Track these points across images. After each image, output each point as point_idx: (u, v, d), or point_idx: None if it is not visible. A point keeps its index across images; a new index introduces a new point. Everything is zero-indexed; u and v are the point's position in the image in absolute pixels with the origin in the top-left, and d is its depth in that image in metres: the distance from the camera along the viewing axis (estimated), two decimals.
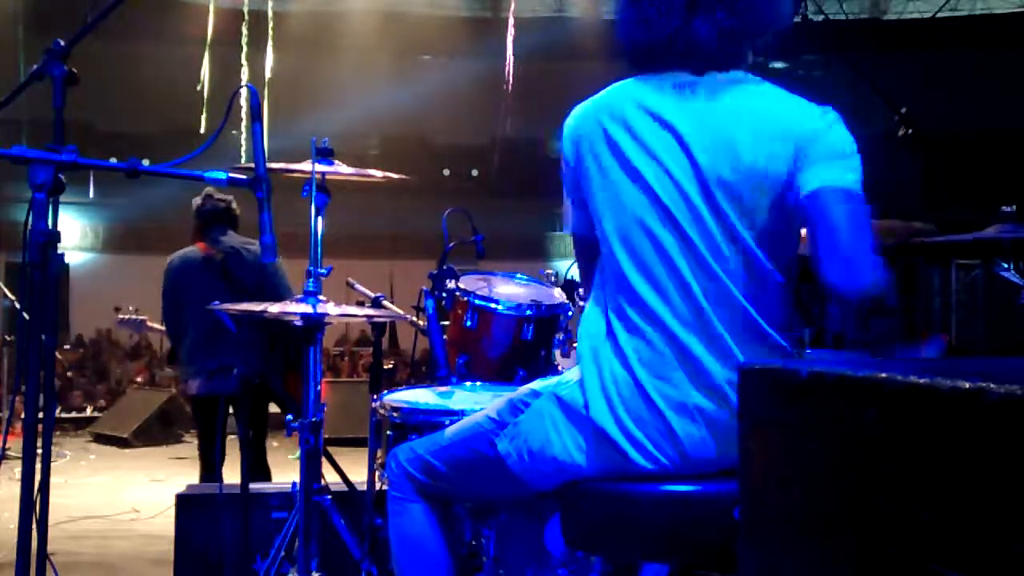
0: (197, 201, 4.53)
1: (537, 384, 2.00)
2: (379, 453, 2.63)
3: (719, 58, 1.82)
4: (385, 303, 3.20)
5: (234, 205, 4.56)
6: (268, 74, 13.92)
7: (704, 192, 1.77)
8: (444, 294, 2.85)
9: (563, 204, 1.98)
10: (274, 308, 2.69)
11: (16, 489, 1.90)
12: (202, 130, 13.14)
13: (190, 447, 9.16)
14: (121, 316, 5.14)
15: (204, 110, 13.17)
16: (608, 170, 1.83)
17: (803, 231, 1.85)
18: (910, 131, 2.60)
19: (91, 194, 14.42)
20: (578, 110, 1.93)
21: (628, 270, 1.81)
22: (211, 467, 4.33)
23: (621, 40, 1.90)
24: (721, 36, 1.80)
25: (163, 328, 4.80)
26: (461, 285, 2.83)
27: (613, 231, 1.83)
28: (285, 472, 4.51)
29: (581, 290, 2.19)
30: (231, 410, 4.21)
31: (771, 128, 1.77)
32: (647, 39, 1.85)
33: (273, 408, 4.54)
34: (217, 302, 2.81)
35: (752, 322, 1.77)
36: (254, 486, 3.40)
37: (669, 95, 1.82)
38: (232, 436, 4.57)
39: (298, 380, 2.84)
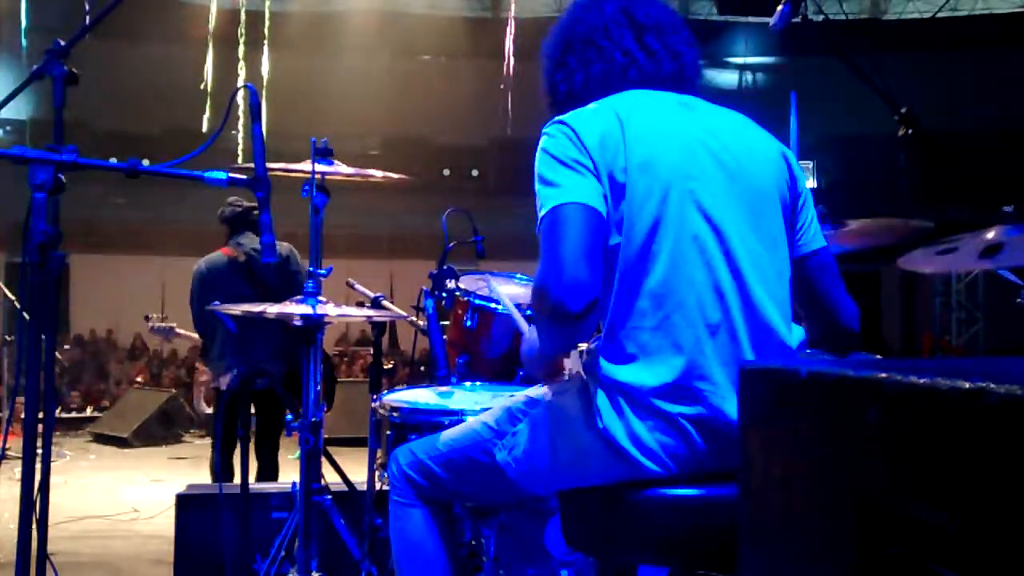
0: (221, 207, 4.69)
1: (534, 391, 1.98)
2: (379, 453, 2.63)
3: (695, 83, 1.95)
4: (385, 303, 3.21)
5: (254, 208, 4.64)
6: (266, 74, 13.93)
7: (742, 205, 1.78)
8: (444, 294, 2.85)
9: (549, 183, 1.73)
10: (273, 309, 2.69)
11: (16, 489, 1.90)
12: (204, 130, 13.15)
13: (190, 447, 9.18)
14: (152, 324, 5.25)
15: (208, 110, 13.18)
16: (651, 167, 1.74)
17: None
18: (910, 131, 2.59)
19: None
20: (591, 111, 1.82)
21: (665, 275, 1.72)
22: (227, 463, 4.46)
23: (617, 65, 1.90)
24: (696, 64, 1.96)
25: (191, 335, 4.90)
26: (461, 285, 2.83)
27: (646, 237, 1.73)
28: (285, 472, 4.51)
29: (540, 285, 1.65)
30: (253, 409, 4.35)
31: (768, 151, 1.89)
32: (642, 65, 1.89)
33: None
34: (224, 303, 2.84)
35: (777, 339, 1.77)
36: (254, 486, 3.40)
37: (680, 110, 1.85)
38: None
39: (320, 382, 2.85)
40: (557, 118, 1.82)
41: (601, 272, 1.70)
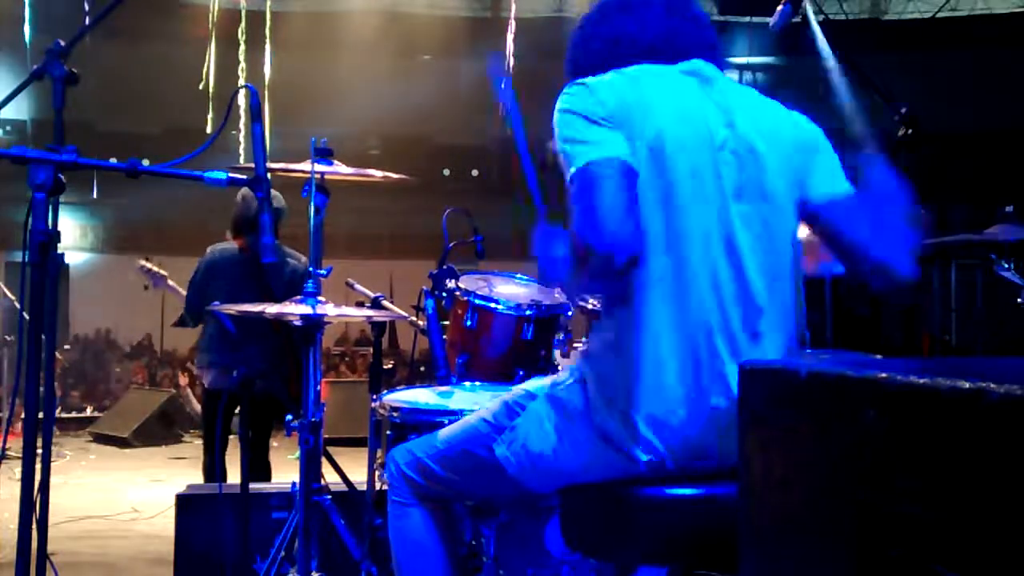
0: (248, 194, 4.36)
1: (531, 385, 1.98)
2: (379, 453, 2.63)
3: (716, 55, 1.91)
4: (385, 303, 3.20)
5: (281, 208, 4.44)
6: (267, 74, 13.93)
7: (753, 194, 1.77)
8: (444, 294, 2.85)
9: (577, 140, 1.72)
10: (273, 308, 2.69)
11: (16, 489, 1.90)
12: (208, 130, 13.15)
13: (190, 447, 9.17)
14: (143, 264, 4.91)
15: (210, 110, 13.18)
16: (662, 151, 1.72)
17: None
18: (910, 131, 2.59)
19: (95, 194, 14.43)
20: (609, 79, 1.80)
21: (667, 270, 1.71)
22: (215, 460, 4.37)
23: (625, 33, 1.88)
24: (714, 38, 1.92)
25: (182, 291, 4.68)
26: (461, 285, 2.83)
27: (650, 224, 1.71)
28: (285, 472, 4.51)
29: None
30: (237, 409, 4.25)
31: (783, 127, 1.88)
32: (654, 34, 1.86)
33: None
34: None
35: (769, 327, 1.76)
36: (254, 486, 3.40)
37: (698, 90, 1.83)
38: (234, 435, 4.58)
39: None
40: (577, 80, 1.81)
41: (639, 226, 1.68)
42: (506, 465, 1.89)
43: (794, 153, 1.85)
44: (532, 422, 1.87)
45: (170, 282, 4.83)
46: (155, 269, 4.86)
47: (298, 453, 2.75)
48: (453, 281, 2.84)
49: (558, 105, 1.79)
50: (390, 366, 3.79)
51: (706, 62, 1.88)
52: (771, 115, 1.89)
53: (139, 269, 4.90)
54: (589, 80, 1.80)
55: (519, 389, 1.99)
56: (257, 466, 4.48)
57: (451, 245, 3.04)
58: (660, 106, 1.76)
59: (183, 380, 11.20)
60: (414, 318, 3.16)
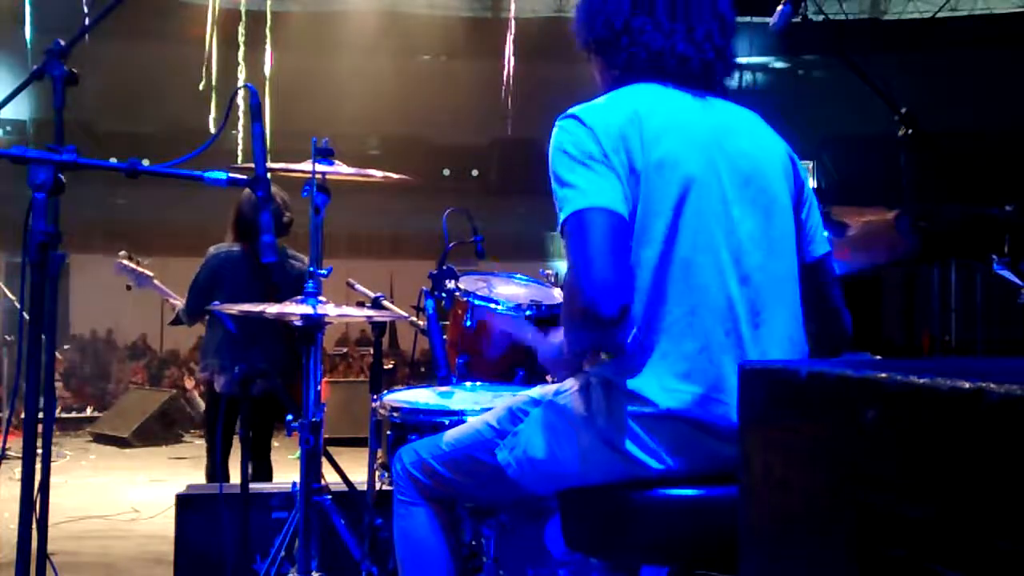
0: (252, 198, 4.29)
1: (536, 391, 1.99)
2: (379, 453, 2.63)
3: (721, 79, 1.90)
4: (385, 303, 3.20)
5: (286, 212, 4.35)
6: (267, 74, 13.92)
7: (756, 211, 1.79)
8: (444, 294, 2.85)
9: (567, 184, 1.71)
10: (273, 308, 2.69)
11: (16, 489, 1.90)
12: (208, 130, 13.13)
13: (190, 447, 9.18)
14: (123, 263, 4.56)
15: (211, 110, 13.17)
16: (668, 168, 1.72)
17: None
18: (910, 131, 2.60)
19: (95, 194, 14.41)
20: (606, 105, 1.79)
21: (676, 282, 1.72)
22: (223, 467, 4.36)
23: (630, 48, 1.84)
24: (730, 59, 1.89)
25: (173, 296, 4.60)
26: (461, 285, 2.83)
27: (661, 238, 1.72)
28: (285, 472, 4.51)
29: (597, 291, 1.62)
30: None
31: (778, 153, 1.89)
32: (662, 49, 1.83)
33: None
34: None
35: (782, 351, 1.78)
36: (254, 486, 3.40)
37: (698, 109, 1.83)
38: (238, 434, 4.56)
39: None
40: (570, 111, 1.78)
41: (631, 277, 1.69)
42: (507, 469, 1.90)
43: (789, 184, 1.88)
44: (534, 428, 1.88)
45: (155, 281, 4.64)
46: (137, 268, 4.64)
47: (298, 453, 2.75)
48: (453, 281, 2.84)
49: (552, 138, 1.77)
50: (390, 366, 3.78)
51: (715, 95, 1.87)
52: (768, 137, 1.90)
53: (119, 268, 4.62)
54: (582, 110, 1.77)
55: (524, 395, 2.00)
56: (259, 467, 4.47)
57: (451, 245, 3.04)
58: (662, 125, 1.75)
59: (189, 383, 11.20)
60: (414, 318, 3.17)
